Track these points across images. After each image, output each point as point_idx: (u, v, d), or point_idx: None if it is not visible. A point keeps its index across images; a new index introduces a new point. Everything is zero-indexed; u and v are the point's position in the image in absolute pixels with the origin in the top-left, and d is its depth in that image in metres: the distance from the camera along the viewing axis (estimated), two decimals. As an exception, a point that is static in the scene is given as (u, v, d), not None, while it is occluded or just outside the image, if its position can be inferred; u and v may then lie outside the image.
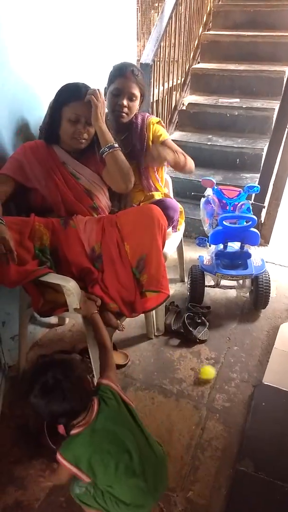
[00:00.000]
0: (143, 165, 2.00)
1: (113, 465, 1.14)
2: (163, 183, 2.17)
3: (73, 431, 1.18)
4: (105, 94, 1.83)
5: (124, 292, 1.55)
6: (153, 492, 1.19)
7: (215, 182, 2.33)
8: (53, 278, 1.50)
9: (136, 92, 1.83)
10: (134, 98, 1.83)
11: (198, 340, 2.12)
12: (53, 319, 2.23)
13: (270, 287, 2.28)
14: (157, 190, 2.11)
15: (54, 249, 1.58)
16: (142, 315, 1.75)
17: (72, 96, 1.56)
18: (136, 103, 1.87)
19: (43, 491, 1.44)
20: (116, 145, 1.61)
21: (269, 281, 2.28)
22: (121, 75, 1.81)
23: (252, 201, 2.36)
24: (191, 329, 2.13)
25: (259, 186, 2.31)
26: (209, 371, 1.92)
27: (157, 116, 3.36)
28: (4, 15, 1.54)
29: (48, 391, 1.15)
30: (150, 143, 1.96)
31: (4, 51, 1.57)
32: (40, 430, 1.55)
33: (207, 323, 2.21)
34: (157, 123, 2.02)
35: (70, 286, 1.47)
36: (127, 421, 1.24)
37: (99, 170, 1.70)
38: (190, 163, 2.00)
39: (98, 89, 1.59)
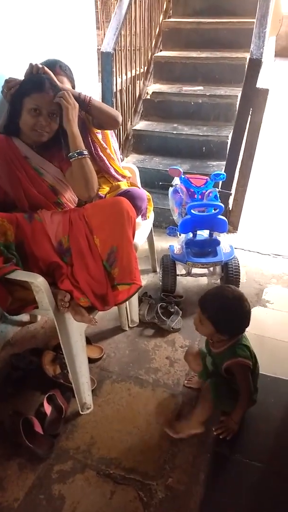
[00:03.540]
0: (92, 149, 1.98)
1: None
2: (112, 150, 2.10)
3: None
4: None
5: (95, 285, 1.53)
6: None
7: (182, 171, 2.33)
8: (21, 275, 1.46)
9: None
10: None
11: (172, 329, 2.13)
12: (25, 317, 2.19)
13: (240, 272, 2.32)
14: (110, 163, 2.07)
15: (19, 245, 1.54)
16: (115, 307, 1.75)
17: (34, 87, 1.53)
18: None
19: (22, 490, 1.43)
20: (86, 152, 1.58)
21: (239, 266, 2.32)
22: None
23: (219, 189, 2.38)
24: (164, 318, 2.14)
25: (225, 173, 2.33)
26: None
27: (121, 106, 3.34)
28: None
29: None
30: (88, 122, 1.94)
31: None
32: (16, 430, 1.53)
33: (180, 312, 2.23)
34: None
35: (38, 283, 1.44)
36: None
37: (63, 167, 1.67)
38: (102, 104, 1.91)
39: (67, 91, 1.56)
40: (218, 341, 1.58)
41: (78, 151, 1.57)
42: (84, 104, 1.77)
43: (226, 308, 1.51)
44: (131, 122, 3.62)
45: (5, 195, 1.60)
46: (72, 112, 1.56)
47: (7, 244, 1.48)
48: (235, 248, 2.36)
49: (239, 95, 3.18)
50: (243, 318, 1.53)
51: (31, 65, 1.61)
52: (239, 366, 1.53)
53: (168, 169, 2.38)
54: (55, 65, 1.79)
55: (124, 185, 2.09)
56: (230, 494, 1.43)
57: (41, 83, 1.53)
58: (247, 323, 1.56)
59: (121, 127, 3.41)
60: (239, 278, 2.33)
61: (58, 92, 1.56)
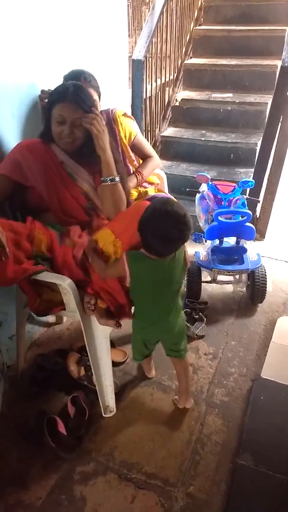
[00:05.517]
0: (120, 161, 1.99)
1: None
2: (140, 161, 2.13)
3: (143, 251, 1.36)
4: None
5: (112, 295, 1.53)
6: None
7: (209, 178, 2.33)
8: (50, 277, 1.49)
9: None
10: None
11: (196, 336, 2.13)
12: (51, 318, 2.22)
13: (266, 281, 2.29)
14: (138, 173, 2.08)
15: (50, 258, 1.55)
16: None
17: (58, 97, 1.55)
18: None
19: (45, 489, 1.45)
20: (118, 178, 1.61)
21: (266, 275, 2.29)
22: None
23: (247, 196, 2.37)
24: (188, 325, 2.13)
25: (253, 180, 2.31)
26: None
27: (150, 112, 3.36)
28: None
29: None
30: (122, 136, 1.96)
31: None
32: (41, 429, 1.55)
33: (205, 319, 2.21)
34: (123, 115, 2.00)
35: (66, 285, 1.46)
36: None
37: (96, 179, 1.68)
38: (149, 171, 2.07)
39: (98, 116, 1.54)
40: None
41: (111, 177, 1.60)
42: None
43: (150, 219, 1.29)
44: (159, 128, 3.64)
45: (40, 198, 1.64)
46: (103, 138, 1.56)
47: (39, 254, 1.50)
48: (262, 256, 2.34)
49: (269, 102, 3.16)
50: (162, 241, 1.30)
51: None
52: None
53: (195, 176, 2.38)
54: (79, 76, 1.81)
55: (151, 191, 2.11)
56: (253, 505, 1.40)
57: (64, 92, 1.54)
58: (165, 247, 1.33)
59: (149, 133, 3.43)
60: (266, 287, 2.30)
61: (86, 103, 1.55)
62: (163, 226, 1.27)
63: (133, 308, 1.56)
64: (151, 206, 1.34)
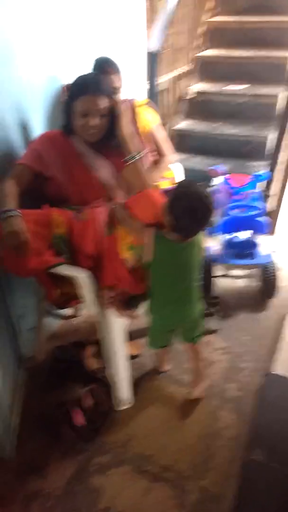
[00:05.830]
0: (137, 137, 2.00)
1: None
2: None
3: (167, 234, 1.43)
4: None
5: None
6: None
7: (222, 171, 2.32)
8: (66, 270, 1.50)
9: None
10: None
11: (208, 331, 2.14)
12: (69, 311, 2.24)
13: (278, 276, 2.29)
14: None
15: (68, 239, 1.57)
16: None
17: (79, 90, 1.56)
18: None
19: (62, 480, 1.49)
20: (137, 154, 1.64)
21: (278, 270, 2.29)
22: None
23: (262, 189, 2.35)
24: (201, 319, 2.15)
25: (265, 174, 2.29)
26: None
27: (163, 105, 3.34)
28: (9, 6, 1.55)
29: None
30: (140, 126, 1.96)
31: (8, 45, 1.57)
32: (58, 421, 1.59)
33: (217, 313, 2.23)
34: (144, 105, 1.99)
35: (82, 278, 1.48)
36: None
37: (117, 164, 1.70)
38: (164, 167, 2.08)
39: (117, 101, 1.62)
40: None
41: (135, 153, 1.63)
42: None
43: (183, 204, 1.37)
44: (172, 121, 3.63)
45: (58, 189, 1.66)
46: (125, 118, 1.61)
47: (61, 236, 1.52)
48: (274, 250, 2.33)
49: (284, 94, 3.12)
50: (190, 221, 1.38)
51: None
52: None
53: (208, 169, 2.37)
54: (106, 64, 1.82)
55: (164, 185, 2.10)
56: (265, 500, 1.42)
57: (85, 85, 1.56)
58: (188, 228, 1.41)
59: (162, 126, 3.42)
60: (278, 282, 2.30)
61: (106, 90, 1.59)
62: (194, 203, 1.36)
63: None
64: (179, 187, 1.43)
